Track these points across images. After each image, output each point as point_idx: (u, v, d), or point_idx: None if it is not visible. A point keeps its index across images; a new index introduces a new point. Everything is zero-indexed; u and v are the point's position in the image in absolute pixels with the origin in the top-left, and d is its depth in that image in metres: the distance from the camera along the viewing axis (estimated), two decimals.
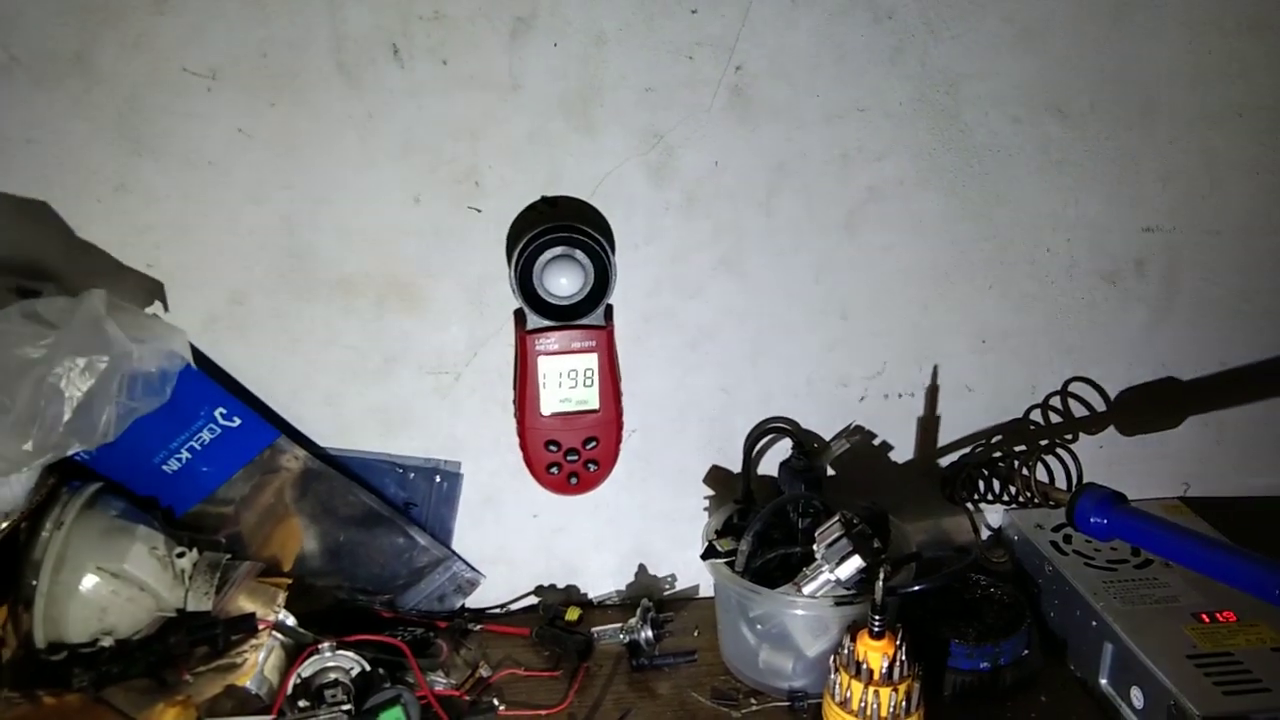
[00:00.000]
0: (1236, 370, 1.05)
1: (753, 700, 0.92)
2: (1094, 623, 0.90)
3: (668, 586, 1.07)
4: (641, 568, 1.06)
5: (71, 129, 0.86)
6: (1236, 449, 1.08)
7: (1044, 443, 0.95)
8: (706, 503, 1.04)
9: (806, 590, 0.87)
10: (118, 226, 0.89)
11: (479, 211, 0.92)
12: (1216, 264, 1.01)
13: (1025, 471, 0.94)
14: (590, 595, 1.06)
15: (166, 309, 0.92)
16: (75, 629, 0.84)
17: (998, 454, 1.00)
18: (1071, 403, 1.04)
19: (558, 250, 0.89)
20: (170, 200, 0.89)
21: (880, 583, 0.78)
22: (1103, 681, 0.90)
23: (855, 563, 0.85)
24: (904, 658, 0.79)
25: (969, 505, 1.03)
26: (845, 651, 0.80)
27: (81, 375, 0.77)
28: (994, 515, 1.07)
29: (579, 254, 0.89)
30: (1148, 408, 1.05)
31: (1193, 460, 1.08)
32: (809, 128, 0.92)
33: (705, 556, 0.94)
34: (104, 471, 0.90)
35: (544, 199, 0.92)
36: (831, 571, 0.86)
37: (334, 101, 0.87)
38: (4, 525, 0.83)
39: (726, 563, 0.93)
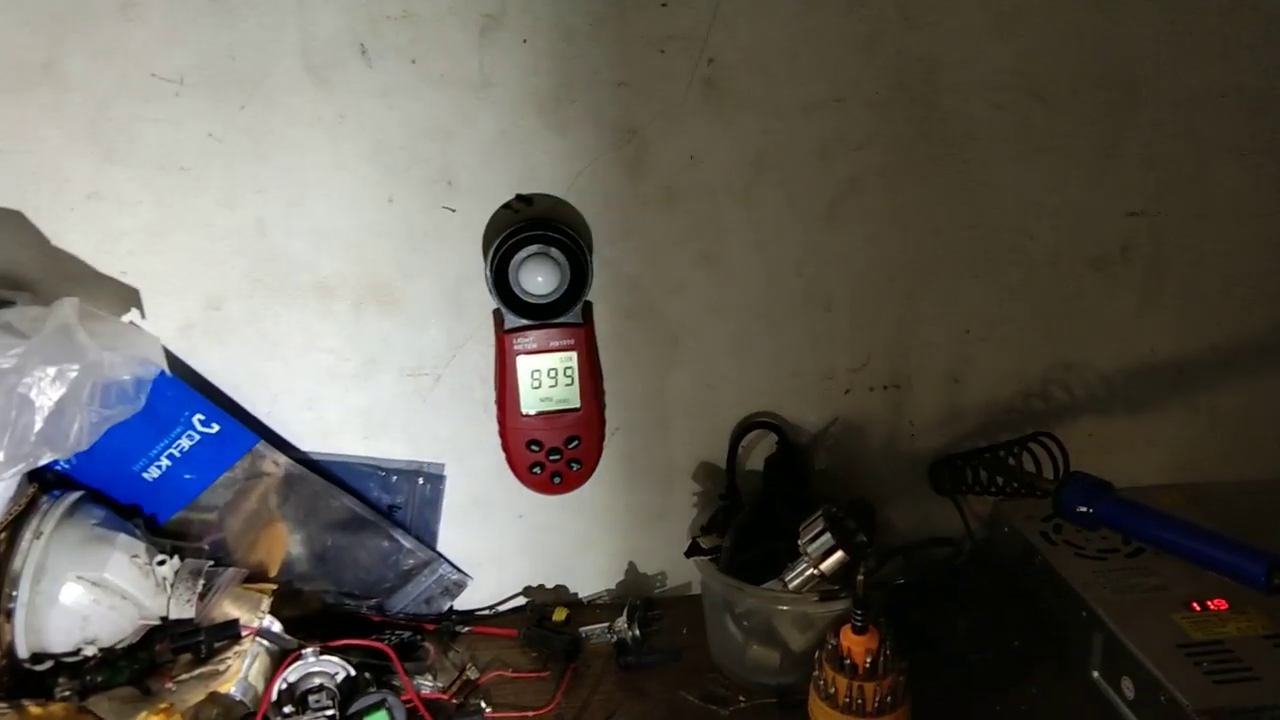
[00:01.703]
0: (1227, 355, 1.03)
1: (741, 698, 0.91)
2: (1083, 613, 0.89)
3: (658, 585, 1.06)
4: (631, 566, 1.06)
5: (43, 137, 0.85)
6: (1229, 434, 1.06)
7: (1030, 432, 0.93)
8: (695, 499, 1.04)
9: (791, 585, 0.87)
10: (92, 234, 0.89)
11: (453, 211, 0.91)
12: (1204, 248, 0.99)
13: (1012, 461, 0.93)
14: (580, 595, 1.06)
15: (143, 315, 0.91)
16: (58, 639, 0.84)
17: (984, 444, 0.99)
18: (1060, 391, 1.03)
19: (533, 249, 0.88)
20: (143, 206, 0.88)
21: (861, 577, 0.77)
22: (1094, 673, 0.89)
23: (838, 557, 0.85)
24: (888, 652, 0.78)
25: (957, 496, 1.02)
26: (830, 646, 0.80)
27: (52, 384, 0.77)
28: (984, 506, 1.06)
29: (555, 252, 0.89)
30: (1137, 394, 1.04)
31: (1184, 447, 1.07)
32: (786, 119, 0.91)
33: (689, 554, 0.93)
34: (85, 480, 0.90)
35: (519, 197, 0.91)
36: (815, 566, 0.85)
37: (304, 103, 0.87)
38: None
39: (711, 559, 0.92)
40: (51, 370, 0.77)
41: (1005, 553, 1.01)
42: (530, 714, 0.90)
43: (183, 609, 0.87)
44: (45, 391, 0.77)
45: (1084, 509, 0.84)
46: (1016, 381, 1.03)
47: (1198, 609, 0.87)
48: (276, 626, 0.90)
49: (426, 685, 0.91)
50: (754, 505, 0.95)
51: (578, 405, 0.93)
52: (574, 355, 0.92)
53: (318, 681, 0.87)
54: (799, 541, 0.87)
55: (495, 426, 0.94)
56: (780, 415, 1.01)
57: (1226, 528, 0.95)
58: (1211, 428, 1.06)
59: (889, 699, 0.78)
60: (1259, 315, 1.02)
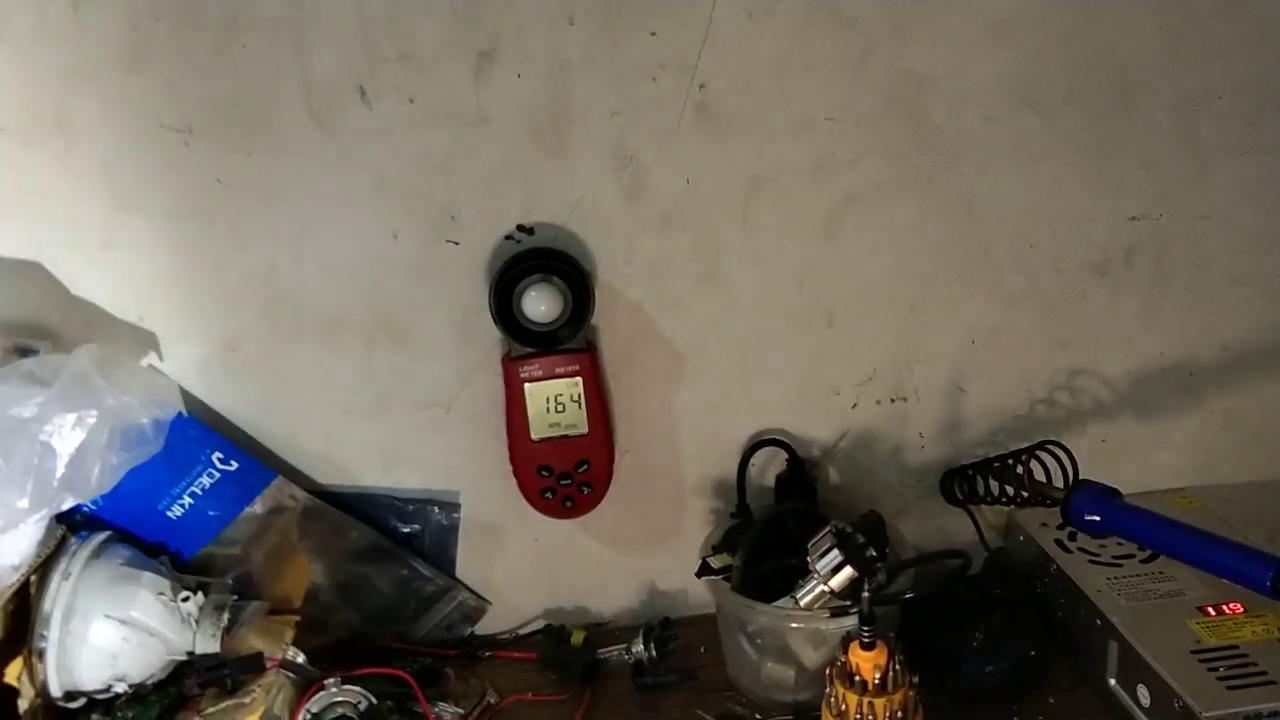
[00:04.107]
0: (1237, 355, 1.02)
1: (758, 715, 0.92)
2: (1098, 621, 0.89)
3: (676, 604, 1.07)
4: (648, 586, 1.07)
5: (57, 189, 0.88)
6: (1244, 435, 1.06)
7: (1039, 440, 0.93)
8: (708, 518, 1.04)
9: (803, 603, 0.87)
10: (109, 281, 0.91)
11: (457, 244, 0.93)
12: (1209, 249, 0.99)
13: (1020, 470, 0.93)
14: (599, 616, 1.07)
15: (162, 359, 0.94)
16: (88, 676, 0.86)
17: (995, 454, 0.99)
18: (1068, 397, 1.02)
19: (535, 277, 0.90)
20: (157, 253, 0.91)
21: (866, 593, 0.78)
22: (1110, 681, 0.88)
23: (848, 573, 0.85)
24: (898, 667, 0.78)
25: (969, 506, 1.02)
26: (839, 663, 0.80)
27: (72, 430, 0.79)
28: (998, 515, 1.06)
29: (556, 279, 0.90)
30: (1148, 398, 1.04)
31: (1200, 449, 1.06)
32: (780, 139, 0.92)
33: (700, 574, 0.94)
34: (112, 520, 0.93)
35: (520, 227, 0.93)
36: (825, 583, 0.86)
37: (308, 146, 0.89)
38: (15, 578, 0.85)
39: (724, 578, 0.93)
40: (71, 417, 0.79)
41: (1020, 562, 1.01)
42: None
43: (208, 643, 0.89)
44: (66, 438, 0.79)
45: (1092, 517, 0.84)
46: (1024, 389, 1.03)
47: (1212, 614, 0.87)
48: (300, 658, 0.92)
49: (448, 711, 0.92)
50: (764, 523, 0.95)
51: (586, 430, 0.94)
52: (580, 380, 0.93)
53: (340, 711, 0.88)
54: (808, 559, 0.87)
55: (506, 453, 0.96)
56: (788, 431, 1.01)
57: (1245, 529, 0.96)
58: (1225, 429, 1.05)
59: (900, 714, 0.78)
60: (1268, 314, 1.01)
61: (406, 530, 1.01)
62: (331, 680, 0.89)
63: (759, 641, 0.91)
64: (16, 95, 0.86)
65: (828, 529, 0.87)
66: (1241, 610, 0.86)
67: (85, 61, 0.85)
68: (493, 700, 0.95)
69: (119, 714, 0.86)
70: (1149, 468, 1.05)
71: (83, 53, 0.85)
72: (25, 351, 0.89)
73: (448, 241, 0.93)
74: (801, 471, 1.00)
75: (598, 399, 0.94)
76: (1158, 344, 1.02)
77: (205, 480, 0.94)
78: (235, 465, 0.94)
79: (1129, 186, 0.97)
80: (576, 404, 0.94)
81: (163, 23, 0.84)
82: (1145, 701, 0.84)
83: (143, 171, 0.88)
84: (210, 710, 0.87)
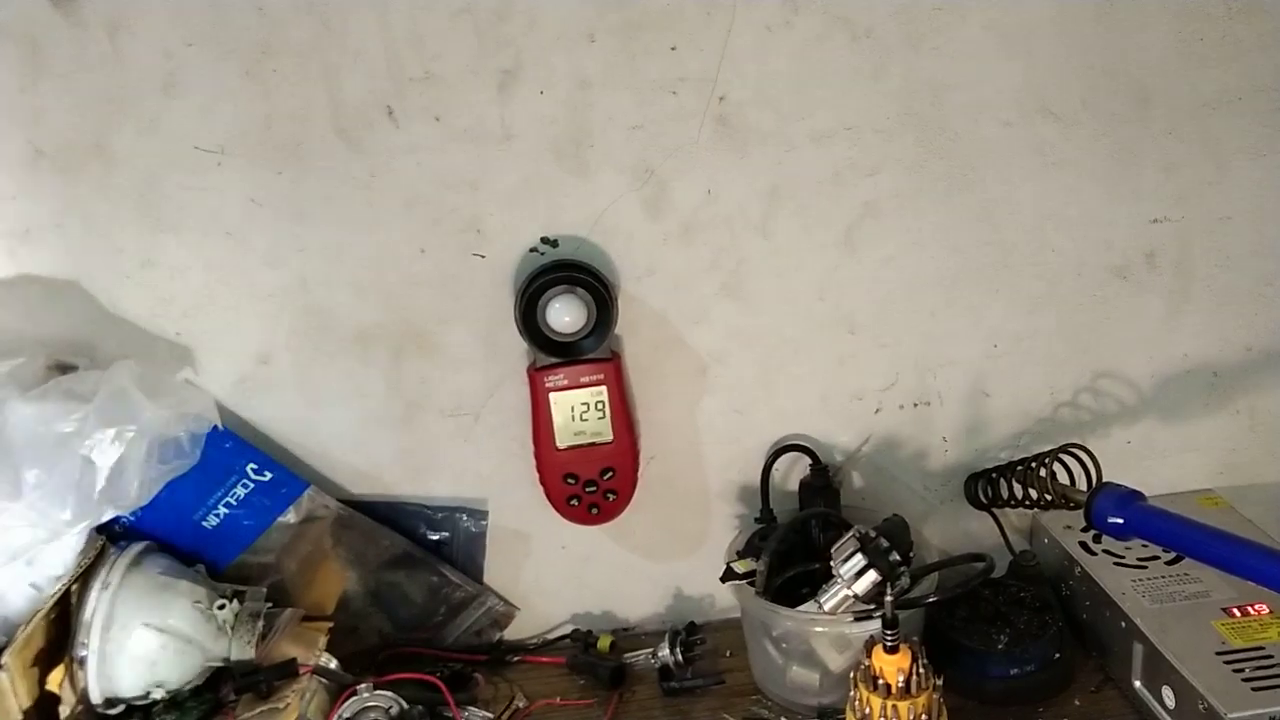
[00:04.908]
0: (1263, 355, 1.02)
1: (783, 718, 0.92)
2: (1123, 623, 0.89)
3: (702, 609, 1.08)
4: (674, 591, 1.08)
5: (96, 212, 0.91)
6: (1271, 435, 1.05)
7: (1062, 444, 0.94)
8: (733, 523, 1.05)
9: (827, 607, 0.88)
10: (146, 299, 0.94)
11: (483, 258, 0.95)
12: (1230, 250, 0.99)
13: (1044, 473, 0.93)
14: (625, 621, 1.08)
15: (197, 373, 0.96)
16: (127, 683, 0.88)
17: (1018, 457, 0.99)
18: (1092, 400, 1.03)
19: (559, 289, 0.92)
20: (193, 271, 0.94)
21: (890, 597, 0.79)
22: (1136, 682, 0.89)
23: (871, 577, 0.86)
24: (921, 670, 0.79)
25: (993, 510, 1.03)
26: (863, 666, 0.81)
27: (112, 445, 0.82)
28: (1023, 518, 1.06)
29: (580, 291, 0.92)
30: (1173, 400, 1.04)
31: (1226, 450, 1.06)
32: (798, 150, 0.93)
33: (724, 579, 0.95)
34: (150, 531, 0.95)
35: (544, 240, 0.95)
36: (849, 588, 0.87)
37: (337, 165, 0.91)
38: (57, 588, 0.88)
39: (749, 583, 0.94)
40: (110, 431, 0.82)
41: (1045, 564, 1.01)
42: None
43: (244, 650, 0.91)
44: (106, 452, 0.82)
45: (1115, 519, 0.84)
46: (1048, 393, 1.03)
47: (1238, 615, 0.87)
48: (333, 663, 0.94)
49: (477, 716, 0.94)
50: (788, 528, 0.96)
51: (610, 438, 0.96)
52: (604, 389, 0.95)
53: (373, 716, 0.90)
54: (832, 563, 0.88)
55: (533, 462, 0.98)
56: (812, 437, 1.02)
57: (1273, 529, 0.95)
58: (1252, 429, 1.05)
59: (924, 717, 0.79)
60: None
61: (436, 538, 1.03)
62: (364, 685, 0.91)
63: (784, 645, 0.92)
64: (56, 121, 0.88)
65: (851, 533, 0.88)
66: (1267, 611, 0.86)
67: (121, 88, 0.88)
68: (521, 704, 0.96)
69: (157, 719, 0.88)
70: (1175, 469, 1.05)
71: (119, 79, 0.87)
72: (65, 368, 0.92)
73: (474, 255, 0.95)
74: (825, 476, 1.01)
75: (622, 407, 0.96)
76: (1181, 346, 1.02)
77: (240, 491, 0.96)
78: (269, 476, 0.96)
79: (1149, 190, 0.97)
80: (601, 413, 0.95)
81: (195, 49, 0.87)
82: (1170, 703, 0.84)
83: (178, 192, 0.91)
84: (246, 715, 0.89)
